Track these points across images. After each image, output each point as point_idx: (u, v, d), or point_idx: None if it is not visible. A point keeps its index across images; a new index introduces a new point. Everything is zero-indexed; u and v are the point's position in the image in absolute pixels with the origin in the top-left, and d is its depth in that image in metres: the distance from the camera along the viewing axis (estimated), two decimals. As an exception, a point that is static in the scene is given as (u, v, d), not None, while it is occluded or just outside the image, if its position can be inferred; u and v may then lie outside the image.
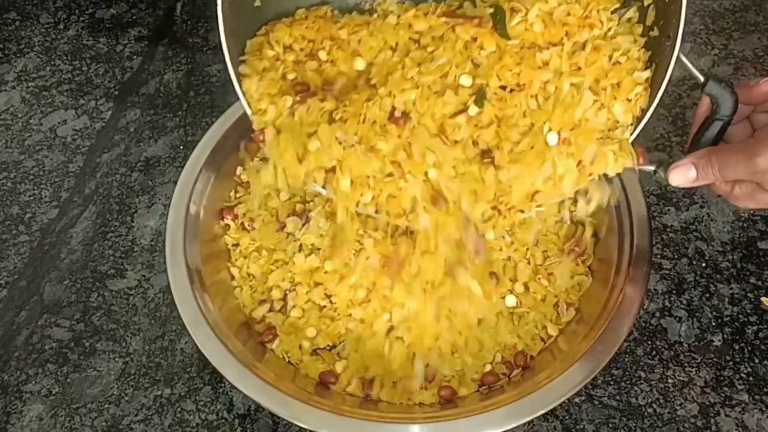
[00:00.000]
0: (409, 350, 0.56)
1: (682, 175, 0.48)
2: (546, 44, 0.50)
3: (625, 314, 0.53)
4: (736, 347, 0.60)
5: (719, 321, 0.62)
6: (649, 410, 0.57)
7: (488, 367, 0.56)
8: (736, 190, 0.48)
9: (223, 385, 0.60)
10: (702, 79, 0.47)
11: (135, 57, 0.86)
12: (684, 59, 0.47)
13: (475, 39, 0.50)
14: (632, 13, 0.51)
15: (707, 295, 0.63)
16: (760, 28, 0.84)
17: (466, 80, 0.49)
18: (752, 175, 0.45)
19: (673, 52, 0.46)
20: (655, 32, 0.49)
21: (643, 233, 0.58)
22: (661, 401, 0.58)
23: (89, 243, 0.69)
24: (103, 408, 0.59)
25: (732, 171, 0.46)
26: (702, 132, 0.49)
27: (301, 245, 0.61)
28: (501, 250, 0.60)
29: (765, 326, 0.61)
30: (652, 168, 0.50)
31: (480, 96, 0.49)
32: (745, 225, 0.67)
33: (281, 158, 0.49)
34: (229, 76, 0.50)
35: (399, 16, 0.52)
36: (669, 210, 0.69)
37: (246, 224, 0.63)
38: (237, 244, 0.63)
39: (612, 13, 0.50)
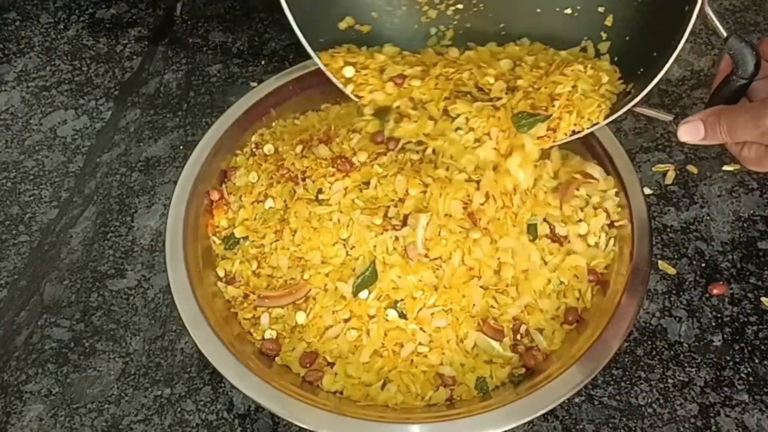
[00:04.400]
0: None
1: (691, 133, 0.47)
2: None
3: (625, 314, 0.53)
4: (736, 347, 0.60)
5: (719, 321, 0.62)
6: (649, 410, 0.57)
7: (489, 371, 0.56)
8: (744, 151, 0.47)
9: (223, 385, 0.60)
10: (725, 34, 0.46)
11: (135, 57, 0.86)
12: (708, 10, 0.45)
13: None
14: None
15: (707, 295, 0.63)
16: (760, 28, 0.84)
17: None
18: (760, 137, 0.44)
19: (695, 4, 0.45)
20: None
21: (643, 233, 0.58)
22: (661, 401, 0.58)
23: (89, 243, 0.69)
24: (103, 408, 0.59)
25: (741, 132, 0.45)
26: (721, 89, 0.48)
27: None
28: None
29: (765, 326, 0.61)
30: (669, 118, 0.50)
31: None
32: (745, 225, 0.67)
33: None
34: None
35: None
36: (669, 210, 0.69)
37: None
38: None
39: None
